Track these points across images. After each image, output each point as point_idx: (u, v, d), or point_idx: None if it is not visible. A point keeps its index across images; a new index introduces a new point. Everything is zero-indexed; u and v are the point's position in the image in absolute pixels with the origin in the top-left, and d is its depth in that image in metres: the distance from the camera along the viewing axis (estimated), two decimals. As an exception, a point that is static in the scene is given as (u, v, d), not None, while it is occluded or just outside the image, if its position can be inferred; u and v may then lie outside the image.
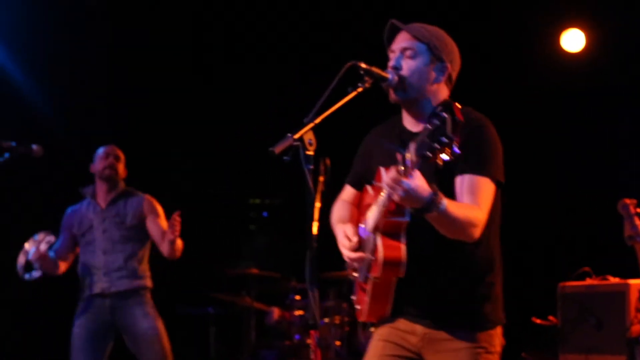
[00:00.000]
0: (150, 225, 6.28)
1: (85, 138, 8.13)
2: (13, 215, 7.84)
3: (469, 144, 3.31)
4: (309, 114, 3.24)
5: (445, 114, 2.89)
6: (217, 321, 7.81)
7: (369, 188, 3.68)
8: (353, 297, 3.78)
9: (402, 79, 3.48)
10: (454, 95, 3.62)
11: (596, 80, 7.75)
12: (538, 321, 6.55)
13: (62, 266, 6.36)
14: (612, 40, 7.70)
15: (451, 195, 3.36)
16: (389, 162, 3.41)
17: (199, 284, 8.11)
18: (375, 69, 3.42)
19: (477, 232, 3.36)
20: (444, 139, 2.89)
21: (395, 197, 3.14)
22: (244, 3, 8.50)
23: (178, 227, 5.98)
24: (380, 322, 3.68)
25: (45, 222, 7.74)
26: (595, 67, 7.79)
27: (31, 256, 6.09)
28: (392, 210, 3.28)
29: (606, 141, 7.86)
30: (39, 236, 6.15)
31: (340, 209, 3.88)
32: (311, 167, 3.18)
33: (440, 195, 3.18)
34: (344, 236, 3.62)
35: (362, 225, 3.62)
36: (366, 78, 3.39)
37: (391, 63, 3.52)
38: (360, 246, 3.58)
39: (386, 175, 3.18)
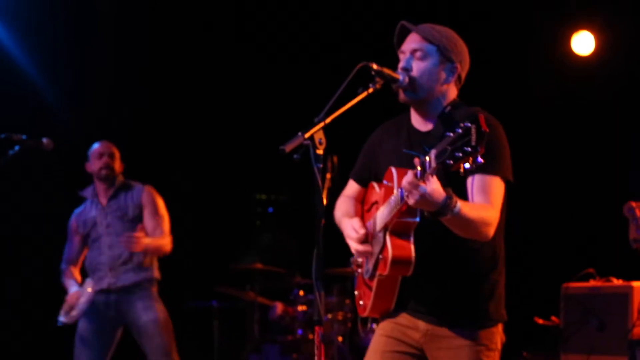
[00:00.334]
0: (144, 217, 6.28)
1: (94, 131, 8.17)
2: (23, 207, 7.86)
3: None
4: (319, 113, 3.27)
5: (470, 124, 2.92)
6: (221, 315, 7.83)
7: (375, 185, 3.70)
8: (356, 293, 3.81)
9: (412, 80, 3.50)
10: (464, 96, 3.65)
11: (606, 82, 7.75)
12: (540, 321, 6.57)
13: (76, 273, 6.42)
14: (623, 43, 7.70)
15: (461, 194, 3.39)
16: (397, 160, 3.43)
17: (203, 278, 8.14)
18: (386, 70, 3.44)
19: (491, 231, 3.39)
20: (468, 149, 2.91)
21: (411, 201, 3.17)
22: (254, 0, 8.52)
23: (136, 245, 6.01)
24: (382, 317, 3.71)
25: (54, 215, 7.80)
26: (605, 69, 7.79)
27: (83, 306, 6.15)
28: (404, 211, 3.31)
29: (614, 143, 7.86)
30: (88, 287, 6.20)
31: (344, 204, 3.90)
32: (320, 165, 3.21)
33: (455, 198, 3.20)
34: (352, 229, 3.65)
35: (370, 222, 3.65)
36: (377, 79, 3.41)
37: (401, 64, 3.54)
38: (367, 240, 3.62)
39: (402, 178, 3.20)
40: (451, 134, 2.97)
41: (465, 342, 3.53)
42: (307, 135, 3.20)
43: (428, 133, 3.56)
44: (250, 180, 8.90)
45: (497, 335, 3.60)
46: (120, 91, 8.35)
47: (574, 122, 7.96)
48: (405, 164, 3.29)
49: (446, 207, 3.19)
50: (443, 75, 3.56)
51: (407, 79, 3.49)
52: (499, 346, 3.61)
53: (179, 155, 8.64)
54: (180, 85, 8.55)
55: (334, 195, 4.01)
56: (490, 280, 3.57)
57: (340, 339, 7.49)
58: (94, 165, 6.33)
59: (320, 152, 3.21)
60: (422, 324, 3.58)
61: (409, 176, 3.15)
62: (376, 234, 3.52)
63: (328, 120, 3.25)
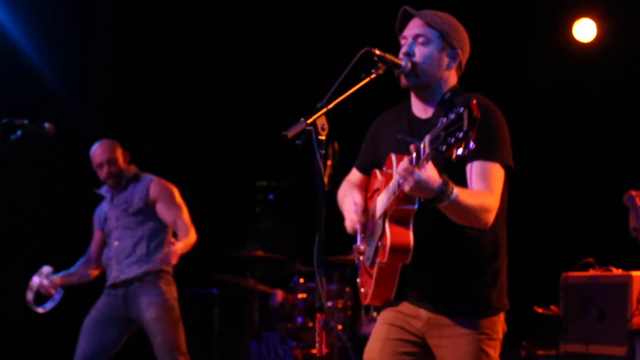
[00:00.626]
0: (160, 211, 6.24)
1: (97, 117, 8.18)
2: (25, 193, 7.86)
3: (477, 130, 3.34)
4: (322, 98, 3.27)
5: (462, 109, 2.92)
6: (221, 302, 7.84)
7: (377, 173, 3.70)
8: (358, 280, 3.82)
9: (415, 65, 3.51)
10: (466, 84, 3.65)
11: (608, 70, 7.75)
12: (540, 310, 6.58)
13: (93, 269, 6.46)
14: (624, 30, 7.69)
15: (461, 181, 3.39)
16: (398, 148, 3.43)
17: (204, 265, 8.14)
18: (389, 56, 3.44)
19: (490, 218, 3.39)
20: (460, 134, 2.91)
21: (406, 188, 3.17)
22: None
23: (173, 258, 5.95)
24: (384, 306, 3.72)
25: (58, 201, 7.82)
26: (607, 57, 7.79)
27: (44, 292, 6.17)
28: (402, 197, 3.31)
29: (615, 132, 7.86)
30: (43, 271, 6.22)
31: (345, 188, 3.91)
32: (322, 151, 3.21)
33: (451, 185, 3.20)
34: (352, 202, 3.67)
35: (371, 209, 3.66)
36: (380, 64, 3.41)
37: (404, 49, 3.54)
38: (366, 216, 3.64)
39: (398, 164, 3.21)
40: (444, 120, 2.97)
41: (467, 330, 3.53)
42: (309, 121, 3.20)
43: (427, 120, 3.56)
44: (251, 167, 8.90)
45: (499, 324, 3.60)
46: (123, 79, 8.35)
47: (575, 110, 7.96)
48: (405, 151, 3.28)
49: (442, 193, 3.18)
50: (445, 61, 3.57)
51: (409, 65, 3.49)
52: (501, 335, 3.62)
53: (180, 142, 8.64)
54: (182, 72, 8.55)
55: (335, 181, 4.01)
56: (492, 269, 3.57)
57: (340, 327, 7.50)
58: (97, 173, 6.30)
59: (322, 137, 3.22)
60: (423, 313, 3.58)
61: (404, 162, 3.15)
62: (376, 221, 3.53)
63: (331, 106, 3.25)
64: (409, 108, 3.68)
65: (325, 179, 3.25)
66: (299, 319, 7.65)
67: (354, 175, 3.95)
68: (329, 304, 7.51)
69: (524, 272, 7.08)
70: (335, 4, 8.46)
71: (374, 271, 3.52)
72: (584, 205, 7.77)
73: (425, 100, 3.60)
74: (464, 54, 3.64)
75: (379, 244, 3.45)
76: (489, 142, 3.40)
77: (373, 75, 3.40)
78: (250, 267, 7.95)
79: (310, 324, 7.58)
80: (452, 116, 2.94)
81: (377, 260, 3.46)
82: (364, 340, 3.78)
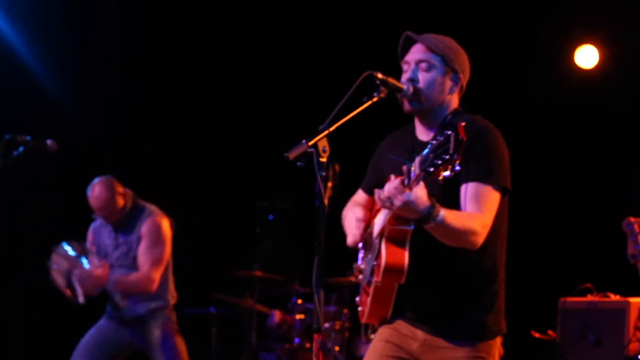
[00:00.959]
0: (139, 249, 6.12)
1: (99, 134, 8.20)
2: (27, 209, 7.87)
3: (473, 152, 3.37)
4: (323, 121, 3.29)
5: (449, 132, 2.95)
6: (218, 322, 7.84)
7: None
8: (357, 299, 3.83)
9: (418, 90, 3.54)
10: (468, 108, 3.68)
11: (609, 96, 7.78)
12: (537, 335, 6.57)
13: None
14: (626, 57, 7.72)
15: (457, 203, 3.41)
16: (399, 171, 3.46)
17: (202, 284, 8.15)
18: (391, 80, 3.47)
19: (478, 240, 3.40)
20: (446, 157, 2.95)
21: (395, 207, 3.20)
22: (261, 7, 8.54)
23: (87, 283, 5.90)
24: (381, 324, 3.72)
25: (59, 215, 7.80)
26: (608, 83, 7.83)
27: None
28: (395, 217, 3.33)
29: (615, 157, 7.88)
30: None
31: (350, 208, 3.93)
32: (323, 173, 3.24)
33: (438, 207, 3.23)
34: (354, 217, 3.70)
35: (370, 229, 3.69)
36: (382, 88, 3.44)
37: (408, 75, 3.57)
38: (368, 230, 3.66)
39: (389, 184, 3.24)
40: (434, 142, 3.01)
41: (463, 354, 3.54)
42: (311, 143, 3.23)
43: (428, 142, 3.59)
44: (251, 187, 8.91)
45: (496, 348, 3.60)
46: (123, 100, 8.37)
47: (576, 136, 7.98)
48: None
49: (428, 215, 3.21)
50: (448, 85, 3.60)
51: (411, 89, 3.52)
52: (497, 359, 3.62)
53: (181, 161, 8.65)
54: (182, 91, 8.57)
55: (335, 203, 4.03)
56: (489, 292, 3.58)
57: (337, 348, 7.50)
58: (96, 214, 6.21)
59: (323, 160, 3.24)
60: (420, 334, 3.59)
61: (395, 182, 3.20)
62: (373, 240, 3.55)
63: (332, 128, 3.28)
64: (413, 131, 3.71)
65: (326, 201, 3.27)
66: (297, 340, 7.65)
67: (360, 196, 3.98)
68: (327, 325, 7.51)
69: (522, 296, 7.07)
70: (339, 26, 8.49)
71: (371, 290, 3.54)
72: (583, 231, 7.77)
73: (428, 123, 3.63)
74: (465, 77, 3.67)
75: (375, 263, 3.48)
76: (485, 165, 3.43)
77: (375, 99, 3.43)
78: (249, 287, 7.96)
79: (308, 345, 7.58)
80: (441, 139, 2.98)
81: (373, 279, 3.48)
82: (360, 362, 3.80)
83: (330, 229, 3.60)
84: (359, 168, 4.03)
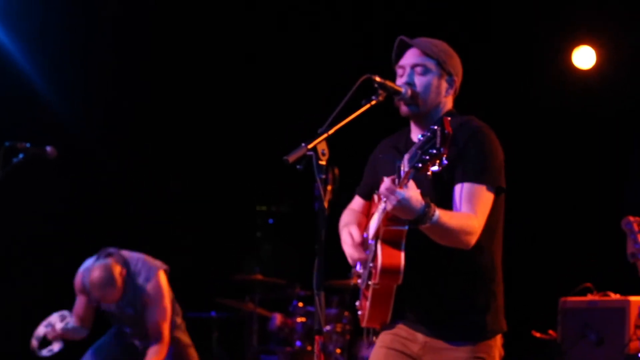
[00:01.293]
0: (146, 312, 6.06)
1: (98, 140, 8.21)
2: (26, 216, 7.87)
3: (467, 152, 3.40)
4: (322, 124, 3.31)
5: (435, 127, 2.97)
6: (219, 326, 7.85)
7: (376, 197, 3.74)
8: (357, 303, 3.84)
9: (415, 94, 3.56)
10: (466, 108, 3.70)
11: (606, 97, 7.80)
12: (538, 335, 6.58)
13: (88, 325, 6.23)
14: (624, 57, 7.74)
15: (450, 202, 3.43)
16: (392, 173, 3.47)
17: (203, 289, 8.16)
18: (389, 83, 3.50)
19: (472, 240, 3.42)
20: (433, 151, 2.97)
21: (389, 207, 3.22)
22: (258, 10, 8.55)
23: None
24: (382, 329, 3.73)
25: (56, 223, 7.81)
26: (606, 84, 7.85)
27: (50, 336, 6.01)
28: (389, 218, 3.35)
29: (613, 157, 7.90)
30: (53, 318, 6.07)
31: (348, 216, 3.94)
32: (323, 176, 3.25)
33: (433, 206, 3.25)
34: (348, 235, 3.70)
35: (366, 233, 3.69)
36: (380, 91, 3.46)
37: (404, 79, 3.60)
38: (363, 248, 3.66)
39: (382, 184, 3.25)
40: (421, 138, 3.02)
41: (462, 354, 3.55)
42: (310, 146, 3.24)
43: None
44: (250, 192, 8.92)
45: (496, 348, 3.61)
46: (122, 104, 8.38)
47: (573, 136, 7.99)
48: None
49: (424, 215, 3.23)
50: (443, 88, 3.63)
51: (409, 92, 3.55)
52: (497, 359, 3.64)
53: (181, 166, 8.66)
54: (181, 95, 8.58)
55: (335, 207, 4.04)
56: (487, 292, 3.59)
57: (338, 350, 7.51)
58: None
59: (323, 163, 3.26)
60: (420, 336, 3.61)
61: (386, 182, 3.21)
62: (369, 243, 3.56)
63: (331, 131, 3.29)
64: (408, 133, 3.74)
65: (326, 204, 3.28)
66: (298, 343, 7.65)
67: (356, 202, 3.99)
68: (328, 327, 7.52)
69: (523, 296, 7.09)
70: (338, 30, 8.51)
71: (369, 293, 3.55)
72: (583, 231, 7.79)
73: (423, 126, 3.64)
74: (459, 79, 3.71)
75: (371, 265, 3.49)
76: (479, 165, 3.45)
77: (373, 102, 3.45)
78: (250, 291, 7.96)
79: (309, 348, 7.58)
80: (427, 134, 3.00)
81: (371, 282, 3.49)
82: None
83: (330, 231, 3.62)
84: (359, 172, 4.04)
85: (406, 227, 3.38)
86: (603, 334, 6.21)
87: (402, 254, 3.40)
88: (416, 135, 3.68)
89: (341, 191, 3.90)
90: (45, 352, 6.08)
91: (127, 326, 6.17)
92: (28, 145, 5.36)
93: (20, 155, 5.35)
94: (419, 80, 3.58)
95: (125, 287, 5.97)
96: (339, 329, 7.56)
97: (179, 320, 6.28)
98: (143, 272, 6.05)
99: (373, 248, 3.49)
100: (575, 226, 7.89)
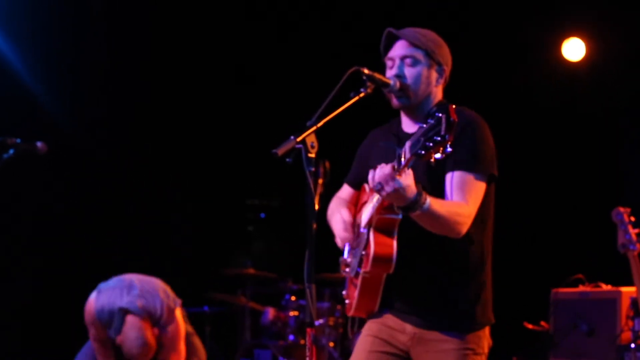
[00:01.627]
0: (162, 353, 5.87)
1: (87, 130, 8.19)
2: (16, 213, 7.86)
3: (459, 141, 3.39)
4: (311, 117, 3.31)
5: (440, 114, 2.97)
6: (212, 320, 7.84)
7: (366, 186, 3.75)
8: (344, 292, 3.85)
9: (405, 86, 3.57)
10: (456, 101, 3.70)
11: (596, 88, 7.82)
12: (530, 326, 6.59)
13: None
14: (613, 49, 7.76)
15: (441, 189, 3.44)
16: (387, 160, 3.47)
17: (195, 283, 8.15)
18: (377, 75, 3.50)
19: (462, 229, 3.44)
20: (438, 138, 2.98)
21: (383, 193, 3.22)
22: (245, 3, 8.55)
23: None
24: (368, 318, 3.74)
25: (49, 220, 7.79)
26: (595, 76, 7.86)
27: None
28: (385, 206, 3.35)
29: (603, 149, 7.92)
30: None
31: (336, 204, 3.95)
32: (312, 169, 3.25)
33: (425, 195, 3.26)
34: (339, 215, 3.72)
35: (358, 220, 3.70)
36: (368, 83, 3.47)
37: (394, 71, 3.60)
38: (354, 232, 3.67)
39: (380, 170, 3.25)
40: (424, 125, 3.02)
41: (452, 346, 3.56)
42: (299, 139, 3.24)
43: (414, 134, 3.61)
44: (241, 186, 8.92)
45: (484, 339, 3.63)
46: (113, 100, 8.37)
47: (563, 128, 8.01)
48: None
49: (415, 202, 3.24)
50: (433, 78, 3.64)
51: (398, 84, 3.55)
52: (486, 350, 3.65)
53: (171, 161, 8.65)
54: (171, 91, 8.56)
55: (326, 200, 4.05)
56: (477, 282, 3.60)
57: (331, 344, 7.52)
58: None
59: (312, 155, 3.25)
60: (409, 327, 3.61)
61: (386, 168, 3.21)
62: (361, 231, 3.57)
63: (320, 124, 3.30)
64: (398, 124, 3.74)
65: (316, 198, 3.28)
66: (291, 337, 7.66)
67: (345, 190, 4.00)
68: (321, 321, 7.53)
69: (514, 288, 7.13)
70: (325, 23, 8.50)
71: (359, 281, 3.55)
72: (574, 222, 7.80)
73: (414, 116, 3.65)
74: (448, 68, 3.72)
75: (363, 253, 3.49)
76: (469, 153, 3.46)
77: (362, 94, 3.46)
78: (242, 285, 7.96)
79: (302, 342, 7.59)
80: (432, 121, 3.00)
81: (362, 270, 3.49)
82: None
83: (322, 225, 3.62)
84: (349, 164, 4.04)
85: (399, 216, 3.40)
86: (594, 325, 6.23)
87: (395, 243, 3.41)
88: (408, 126, 3.68)
89: (332, 184, 3.91)
90: None
91: None
92: (18, 140, 5.34)
93: (11, 151, 5.33)
94: (408, 72, 3.59)
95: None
96: (331, 323, 7.58)
97: (180, 309, 6.21)
98: (164, 316, 5.83)
99: (365, 236, 3.49)
100: (566, 217, 7.90)
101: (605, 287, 6.33)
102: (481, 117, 3.58)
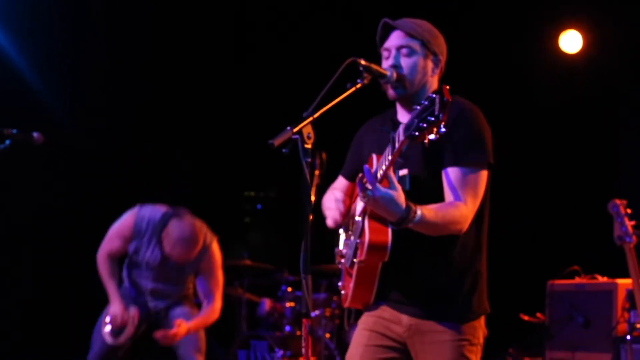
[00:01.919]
0: (198, 280, 6.11)
1: (86, 127, 8.19)
2: (13, 204, 7.86)
3: (453, 130, 3.40)
4: (307, 108, 3.30)
5: (434, 95, 2.97)
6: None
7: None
8: (340, 283, 3.84)
9: (401, 76, 3.57)
10: (451, 92, 3.69)
11: (593, 80, 7.82)
12: (526, 318, 6.61)
13: (116, 268, 6.11)
14: (610, 41, 7.77)
15: (439, 180, 3.44)
16: (379, 150, 3.46)
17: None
18: (374, 66, 3.49)
19: (463, 228, 3.44)
20: (432, 118, 2.97)
21: (365, 200, 3.23)
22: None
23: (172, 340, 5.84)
24: (365, 310, 3.74)
25: (46, 210, 7.78)
26: (592, 67, 7.87)
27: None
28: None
29: (600, 141, 7.92)
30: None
31: (331, 195, 3.95)
32: (309, 160, 3.24)
33: (414, 209, 3.26)
34: (333, 197, 3.72)
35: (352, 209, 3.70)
36: (365, 74, 3.46)
37: (390, 62, 3.60)
38: (348, 218, 3.67)
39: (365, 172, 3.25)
40: (418, 107, 3.02)
41: (448, 337, 3.56)
42: (295, 129, 3.23)
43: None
44: (238, 178, 8.93)
45: (480, 330, 3.63)
46: (109, 92, 8.37)
47: (560, 120, 8.01)
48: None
49: (404, 219, 3.25)
50: (429, 68, 3.64)
51: (395, 75, 3.55)
52: (481, 340, 3.64)
53: (168, 153, 8.65)
54: (166, 83, 8.56)
55: (322, 191, 4.05)
56: (473, 271, 3.60)
57: (327, 335, 7.53)
58: (165, 249, 5.93)
59: (308, 146, 3.24)
60: (405, 318, 3.61)
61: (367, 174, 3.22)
62: (356, 220, 3.57)
63: (316, 115, 3.28)
64: (393, 115, 3.74)
65: (313, 189, 3.27)
66: (287, 328, 7.67)
67: (339, 182, 3.99)
68: (317, 312, 7.54)
69: (511, 279, 7.14)
70: (322, 14, 8.50)
71: (354, 271, 3.55)
72: (570, 214, 7.82)
73: (409, 107, 3.64)
74: (444, 58, 3.72)
75: (358, 241, 3.49)
76: (465, 145, 3.46)
77: (358, 85, 3.44)
78: (238, 276, 7.96)
79: (298, 333, 7.59)
80: (425, 103, 3.00)
81: (357, 259, 3.49)
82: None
83: (318, 216, 3.62)
84: (346, 156, 4.04)
85: None
86: (591, 317, 6.25)
87: (390, 230, 3.40)
88: (403, 115, 3.68)
89: (329, 175, 3.91)
90: (122, 338, 5.93)
91: (153, 281, 6.09)
92: (14, 131, 5.33)
93: (7, 142, 5.32)
94: (404, 62, 3.59)
95: None
96: (327, 314, 7.58)
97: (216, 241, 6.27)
98: (207, 239, 6.09)
99: (360, 225, 3.49)
100: (563, 210, 7.91)
101: (601, 279, 6.35)
102: (475, 105, 3.57)
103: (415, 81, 3.59)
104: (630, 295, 5.85)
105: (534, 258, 7.82)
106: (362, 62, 3.46)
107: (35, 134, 5.45)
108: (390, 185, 3.22)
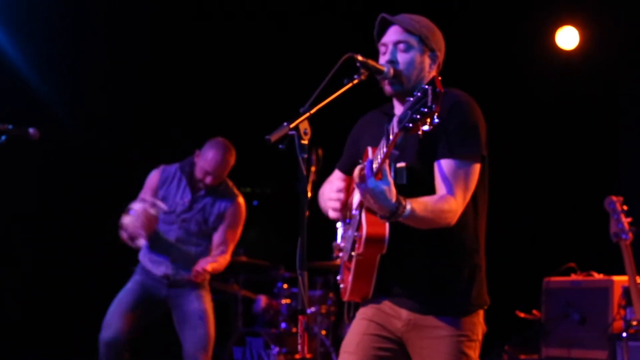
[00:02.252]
0: (217, 232, 6.22)
1: (86, 126, 8.19)
2: (9, 200, 7.85)
3: (449, 123, 3.40)
4: (304, 104, 3.30)
5: (427, 86, 2.97)
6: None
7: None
8: (338, 278, 3.84)
9: (398, 72, 3.56)
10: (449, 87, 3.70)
11: (590, 77, 7.82)
12: (522, 315, 6.61)
13: None
14: (606, 37, 7.77)
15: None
16: (376, 143, 3.45)
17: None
18: (371, 62, 3.49)
19: (450, 222, 3.43)
20: (425, 109, 2.96)
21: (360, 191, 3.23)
22: None
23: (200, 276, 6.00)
24: (364, 303, 3.73)
25: (46, 209, 7.77)
26: (589, 64, 7.87)
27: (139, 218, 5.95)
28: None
29: (597, 138, 7.93)
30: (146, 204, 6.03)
31: (330, 186, 3.94)
32: (305, 156, 3.24)
33: (404, 204, 3.25)
34: (333, 189, 3.70)
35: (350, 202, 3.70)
36: (362, 70, 3.45)
37: (387, 57, 3.59)
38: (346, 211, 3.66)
39: (358, 169, 3.25)
40: (411, 99, 3.02)
41: (447, 332, 3.55)
42: (292, 125, 3.23)
43: None
44: (234, 174, 8.90)
45: (478, 325, 3.62)
46: (107, 89, 8.36)
47: (557, 117, 8.01)
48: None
49: (394, 213, 3.25)
50: (427, 64, 3.63)
51: (391, 71, 3.54)
52: (480, 337, 3.64)
53: (164, 149, 8.63)
54: (164, 80, 8.55)
55: (318, 188, 4.04)
56: (472, 264, 3.59)
57: (323, 332, 7.53)
58: (198, 171, 6.17)
59: (305, 142, 3.24)
60: (404, 313, 3.60)
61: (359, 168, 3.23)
62: (353, 213, 3.56)
63: (313, 110, 3.28)
64: (390, 109, 3.73)
65: (309, 185, 3.28)
66: (283, 325, 7.67)
67: (336, 176, 3.99)
68: (313, 309, 7.54)
69: (507, 276, 7.13)
70: (319, 10, 8.49)
71: (352, 265, 3.54)
72: (566, 211, 7.82)
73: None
74: (442, 55, 3.71)
75: (356, 234, 3.48)
76: (458, 137, 3.45)
77: (355, 81, 3.43)
78: (234, 273, 7.96)
79: (294, 330, 7.60)
80: (418, 94, 2.99)
81: (355, 252, 3.49)
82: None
83: (314, 212, 3.61)
84: (342, 152, 4.03)
85: None
86: (586, 314, 6.25)
87: (386, 222, 3.40)
88: (399, 111, 3.66)
89: (325, 172, 3.90)
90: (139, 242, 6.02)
91: (179, 229, 6.16)
92: (10, 127, 5.32)
93: (3, 137, 5.31)
94: (401, 58, 3.58)
95: (222, 184, 6.24)
96: (323, 311, 7.59)
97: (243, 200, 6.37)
98: (235, 190, 6.34)
99: (357, 218, 3.48)
100: (559, 206, 7.91)
101: (598, 276, 6.34)
102: (470, 97, 3.57)
103: (412, 77, 3.58)
104: (626, 292, 5.86)
105: (530, 255, 7.83)
106: (359, 57, 3.45)
107: (31, 130, 5.44)
108: (383, 179, 3.21)
